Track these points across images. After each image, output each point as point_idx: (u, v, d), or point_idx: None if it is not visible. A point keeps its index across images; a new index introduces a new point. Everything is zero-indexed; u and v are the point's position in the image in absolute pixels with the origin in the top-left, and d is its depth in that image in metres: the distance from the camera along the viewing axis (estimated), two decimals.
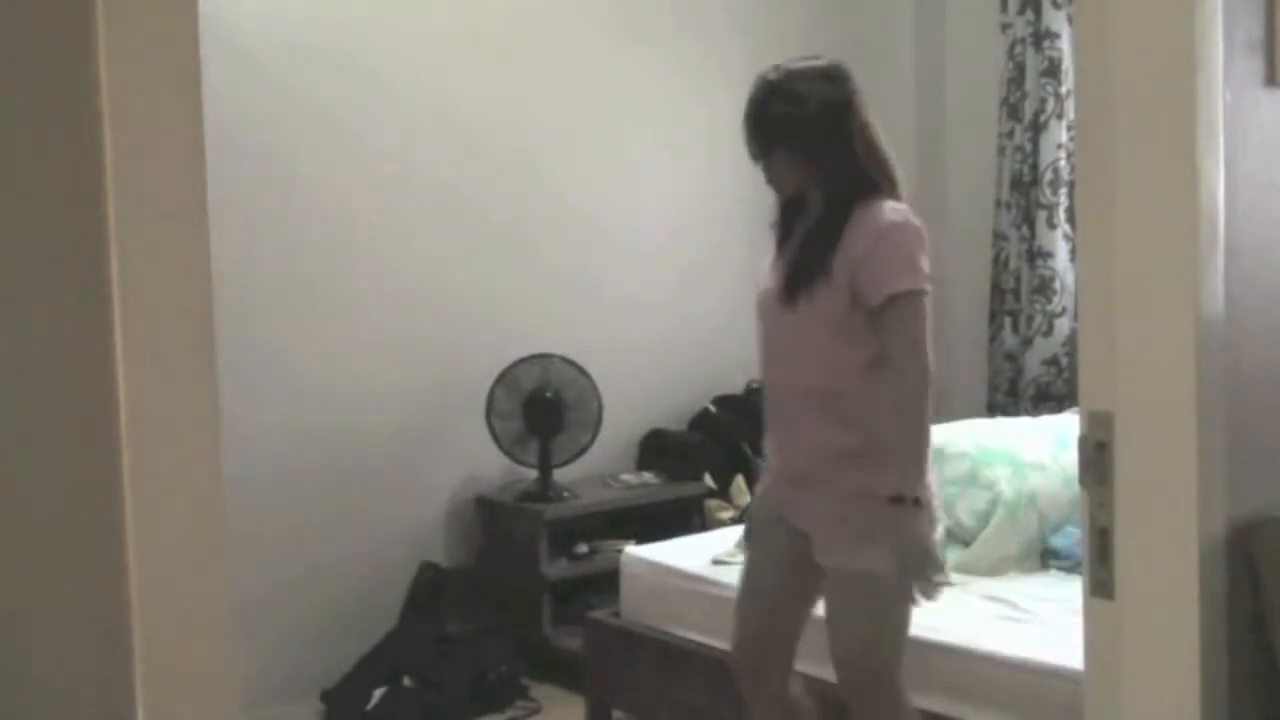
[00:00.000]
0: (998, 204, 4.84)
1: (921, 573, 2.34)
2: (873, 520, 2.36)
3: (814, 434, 2.43)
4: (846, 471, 2.40)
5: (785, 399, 2.50)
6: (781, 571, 2.57)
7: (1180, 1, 1.13)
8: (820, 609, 2.54)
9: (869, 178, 2.43)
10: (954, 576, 3.14)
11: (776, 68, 2.51)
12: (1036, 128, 4.67)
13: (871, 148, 2.45)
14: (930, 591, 2.38)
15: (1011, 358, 4.81)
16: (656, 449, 4.57)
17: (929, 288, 2.37)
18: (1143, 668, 1.20)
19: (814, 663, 2.66)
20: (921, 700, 2.72)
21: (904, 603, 2.42)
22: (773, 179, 2.55)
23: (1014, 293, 4.80)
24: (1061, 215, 4.66)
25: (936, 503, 2.41)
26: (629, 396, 4.46)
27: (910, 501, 2.30)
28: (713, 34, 4.82)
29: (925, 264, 2.38)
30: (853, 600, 2.44)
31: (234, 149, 3.55)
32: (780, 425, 2.53)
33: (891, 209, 2.40)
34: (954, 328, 5.19)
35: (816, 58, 2.55)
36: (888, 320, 2.34)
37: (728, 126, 4.87)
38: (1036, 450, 3.35)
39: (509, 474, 4.23)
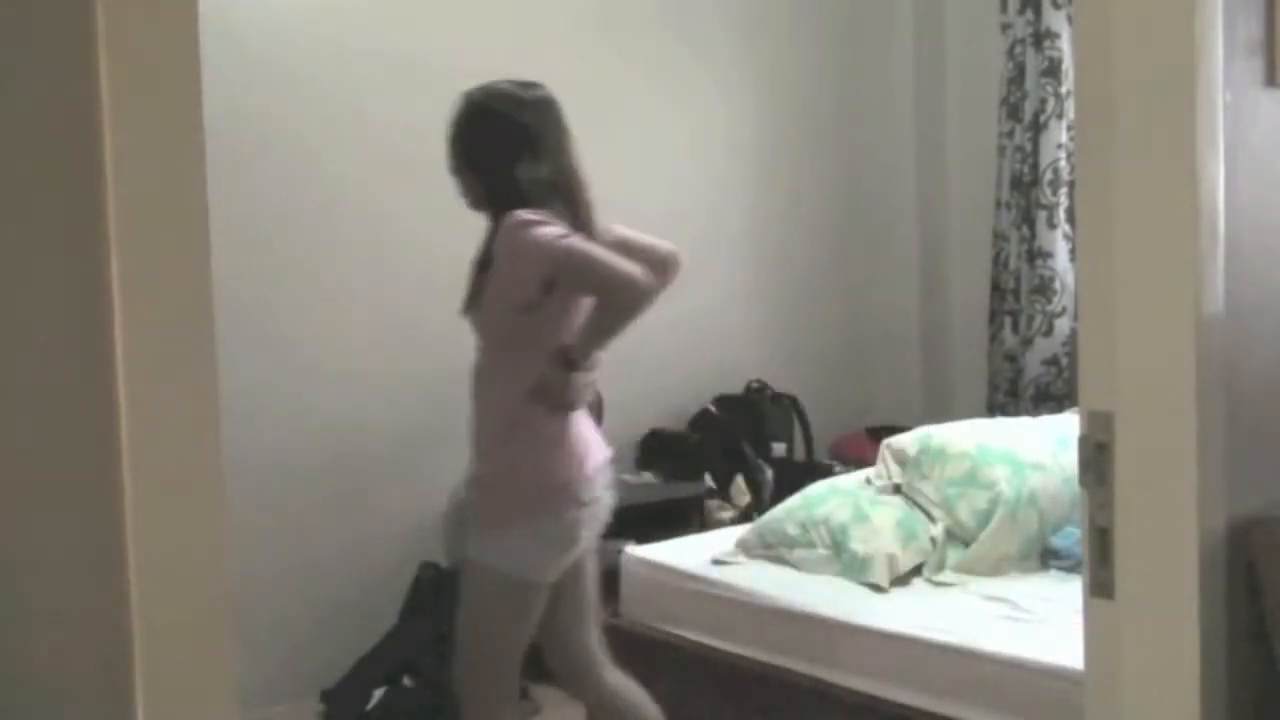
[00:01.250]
0: (998, 204, 4.84)
1: (560, 404, 2.57)
2: (480, 507, 2.58)
3: (471, 418, 2.67)
4: (475, 457, 2.63)
5: None
6: None
7: (1180, 1, 1.13)
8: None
9: (527, 203, 2.54)
10: (954, 576, 3.16)
11: (482, 86, 2.63)
12: (1036, 128, 4.67)
13: (537, 177, 2.57)
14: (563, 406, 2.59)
15: (1011, 358, 4.81)
16: (656, 449, 4.57)
17: (563, 243, 2.49)
18: (1143, 668, 1.20)
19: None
20: (922, 700, 2.72)
21: (499, 603, 2.57)
22: (464, 192, 2.66)
23: (1014, 293, 4.80)
24: (1061, 215, 4.66)
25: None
26: (629, 396, 4.46)
27: (575, 365, 2.55)
28: (711, 36, 4.83)
29: (546, 231, 2.49)
30: (467, 594, 2.63)
31: (236, 137, 3.55)
32: None
33: (508, 217, 2.52)
34: (954, 328, 5.20)
35: (532, 85, 2.65)
36: (570, 285, 2.52)
37: (728, 131, 4.90)
38: (1036, 450, 3.35)
39: None
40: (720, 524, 4.17)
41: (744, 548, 3.39)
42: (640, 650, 3.33)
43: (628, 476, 4.42)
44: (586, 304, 2.58)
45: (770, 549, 3.33)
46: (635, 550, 3.53)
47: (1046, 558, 3.24)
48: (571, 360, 2.55)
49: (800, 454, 4.82)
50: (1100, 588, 1.21)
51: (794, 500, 3.45)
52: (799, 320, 5.13)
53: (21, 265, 0.94)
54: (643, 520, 4.20)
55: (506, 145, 2.57)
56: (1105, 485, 1.20)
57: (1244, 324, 1.20)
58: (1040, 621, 2.81)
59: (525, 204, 2.53)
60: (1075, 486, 1.26)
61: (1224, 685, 1.19)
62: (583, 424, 2.65)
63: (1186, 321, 1.14)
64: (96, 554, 0.97)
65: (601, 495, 2.65)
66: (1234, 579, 1.20)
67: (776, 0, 5.03)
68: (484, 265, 2.58)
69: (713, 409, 4.68)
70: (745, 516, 4.17)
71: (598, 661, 2.81)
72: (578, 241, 2.50)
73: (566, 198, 2.60)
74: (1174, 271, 1.15)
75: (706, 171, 4.84)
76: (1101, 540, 1.21)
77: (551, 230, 2.50)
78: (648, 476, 4.44)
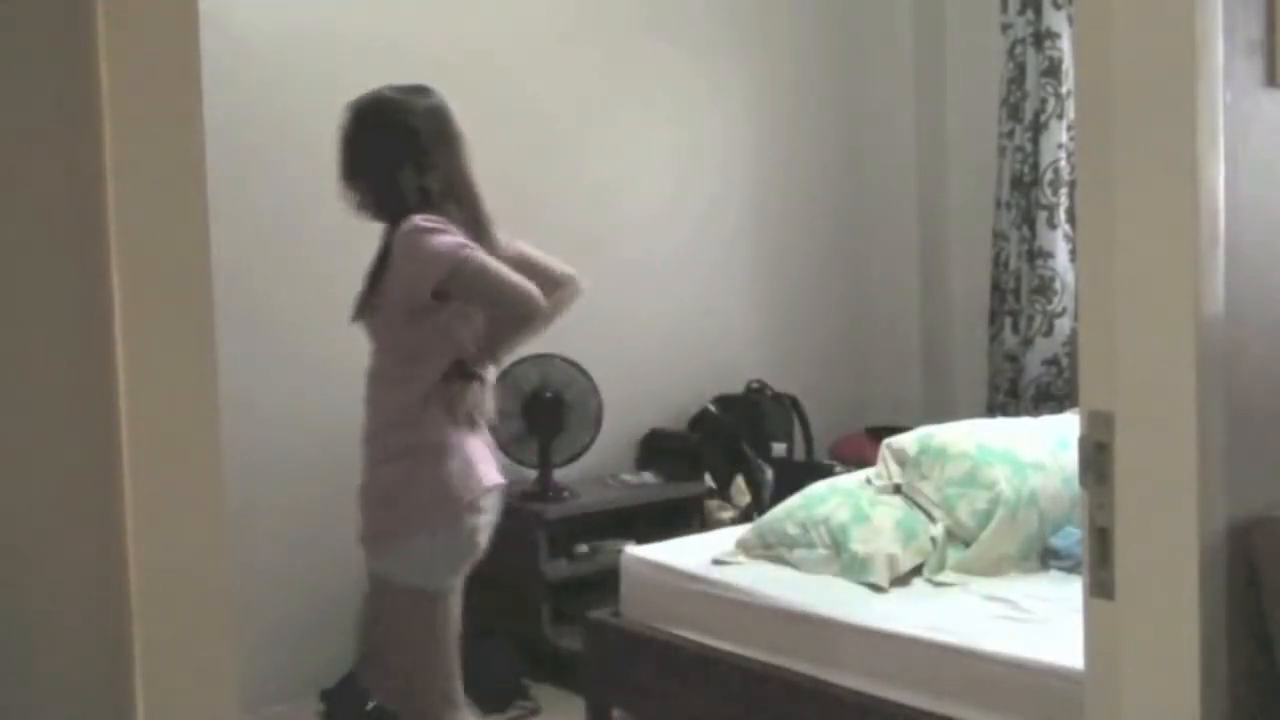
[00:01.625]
0: (998, 204, 4.84)
1: (461, 420, 2.57)
2: (376, 516, 2.60)
3: (365, 423, 2.67)
4: (369, 465, 2.63)
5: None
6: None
7: (1180, 2, 1.13)
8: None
9: (419, 209, 2.54)
10: (954, 576, 3.16)
11: (370, 93, 2.65)
12: (1037, 128, 4.67)
13: (427, 183, 2.57)
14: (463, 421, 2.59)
15: (1012, 358, 4.81)
16: (656, 449, 4.57)
17: (460, 254, 2.49)
18: (1143, 668, 1.20)
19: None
20: (922, 700, 2.72)
21: (410, 617, 2.59)
22: (356, 202, 2.67)
23: (1014, 293, 4.80)
24: (1061, 215, 4.66)
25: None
26: (629, 396, 4.46)
27: (468, 376, 2.56)
28: (709, 37, 4.83)
29: (444, 239, 2.50)
30: (378, 609, 2.64)
31: (236, 136, 3.54)
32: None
33: (405, 223, 2.52)
34: (954, 328, 5.19)
35: (422, 90, 2.65)
36: (463, 296, 2.53)
37: (727, 130, 4.89)
38: (1036, 450, 3.35)
39: (509, 474, 4.21)
40: (720, 524, 4.17)
41: (744, 548, 3.39)
42: (640, 650, 3.33)
43: (628, 476, 4.42)
44: (482, 315, 2.59)
45: (770, 549, 3.33)
46: (635, 550, 3.53)
47: (1046, 558, 3.24)
48: (467, 371, 2.56)
49: (800, 454, 4.82)
50: (1100, 588, 1.21)
51: (794, 500, 3.45)
52: (799, 320, 5.13)
53: (22, 266, 0.94)
54: (643, 520, 4.21)
55: (396, 151, 2.57)
56: (1105, 485, 1.20)
57: (1244, 324, 1.20)
58: (1040, 621, 2.81)
59: (417, 210, 2.53)
60: (1075, 486, 1.26)
61: (1224, 685, 1.19)
62: (480, 445, 2.63)
63: (1186, 321, 1.14)
64: (97, 554, 0.97)
65: (496, 506, 2.64)
66: (1234, 579, 1.20)
67: (775, 1, 5.02)
68: (379, 270, 2.58)
69: (713, 409, 4.68)
70: (745, 516, 4.17)
71: None
72: (475, 252, 2.51)
73: (459, 202, 2.59)
74: (1174, 271, 1.15)
75: (706, 171, 4.84)
76: (1101, 540, 1.21)
77: (450, 239, 2.50)
78: (648, 476, 4.44)
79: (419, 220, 2.51)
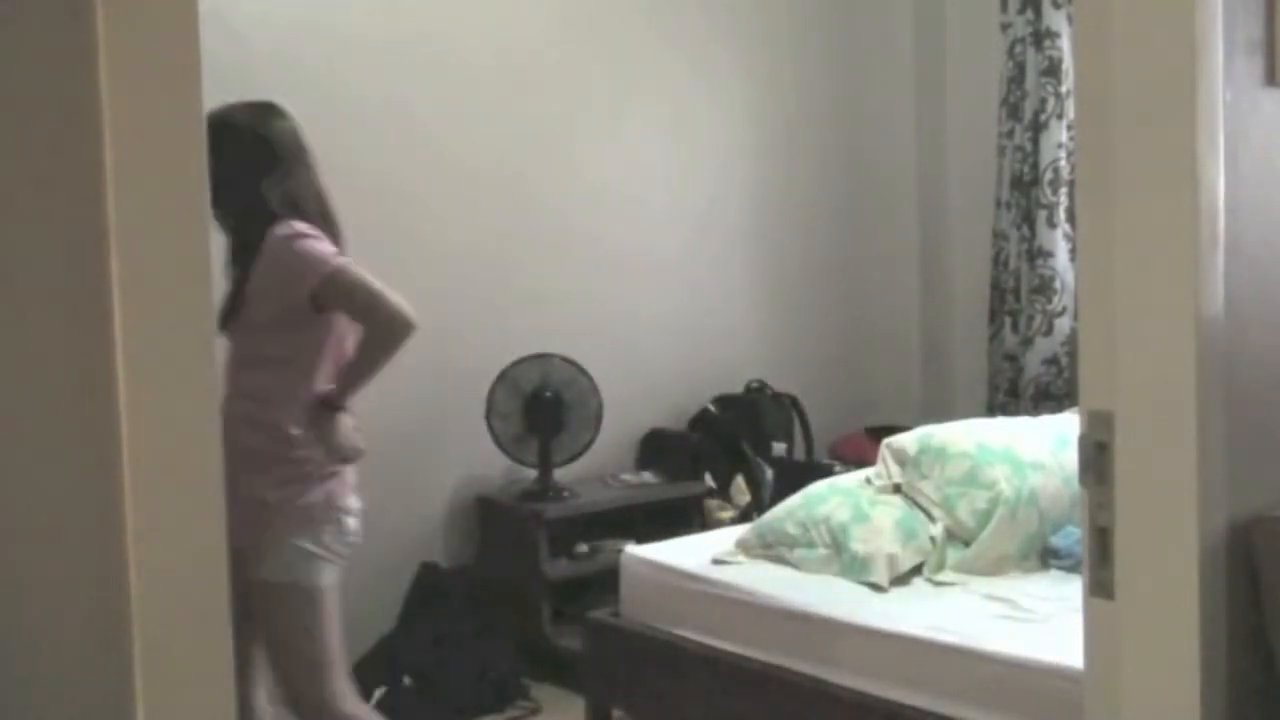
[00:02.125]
0: (998, 204, 4.84)
1: (348, 456, 2.62)
2: (262, 524, 2.55)
3: (230, 438, 2.58)
4: (249, 474, 2.54)
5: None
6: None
7: (1180, 1, 1.13)
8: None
9: (281, 218, 2.54)
10: (954, 576, 3.16)
11: (219, 107, 2.58)
12: (1036, 127, 4.67)
13: (285, 191, 2.57)
14: (352, 457, 2.64)
15: (1011, 357, 4.81)
16: (656, 449, 4.57)
17: (338, 261, 2.53)
18: (1143, 668, 1.20)
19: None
20: (922, 700, 2.72)
21: (301, 616, 2.62)
22: (218, 218, 2.60)
23: (1014, 293, 4.80)
24: (1061, 215, 4.67)
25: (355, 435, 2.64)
26: (629, 396, 4.46)
27: (335, 409, 2.57)
28: (710, 36, 4.82)
29: (321, 246, 2.53)
30: (261, 614, 2.62)
31: None
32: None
33: (280, 227, 2.52)
34: (954, 328, 5.19)
35: (268, 106, 2.66)
36: (334, 305, 2.54)
37: (727, 130, 4.90)
38: (1036, 450, 3.35)
39: (509, 474, 4.23)
40: (720, 524, 4.17)
41: (744, 547, 3.39)
42: (640, 650, 3.33)
43: (628, 476, 4.42)
44: (352, 330, 2.59)
45: (770, 549, 3.33)
46: (635, 550, 3.52)
47: (1046, 557, 3.24)
48: (332, 404, 2.57)
49: (800, 454, 4.82)
50: (1100, 588, 1.21)
51: (794, 500, 3.45)
52: (799, 320, 5.13)
53: (22, 265, 0.94)
54: (643, 520, 4.21)
55: (251, 161, 2.56)
56: (1105, 485, 1.20)
57: (1244, 324, 1.20)
58: (1040, 621, 2.81)
59: (290, 218, 2.53)
60: (1075, 486, 1.26)
61: (1224, 685, 1.19)
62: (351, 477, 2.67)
63: (1186, 321, 1.14)
64: (97, 554, 0.97)
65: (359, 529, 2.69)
66: (1234, 579, 1.20)
67: (775, 1, 5.02)
68: (242, 280, 2.55)
69: (713, 409, 4.68)
70: (745, 516, 4.17)
71: (257, 681, 2.81)
72: (350, 263, 2.53)
73: (321, 213, 2.61)
74: (1174, 271, 1.15)
75: (705, 172, 4.84)
76: (1101, 540, 1.21)
77: (325, 247, 2.53)
78: (648, 476, 4.44)
79: (297, 225, 2.52)
